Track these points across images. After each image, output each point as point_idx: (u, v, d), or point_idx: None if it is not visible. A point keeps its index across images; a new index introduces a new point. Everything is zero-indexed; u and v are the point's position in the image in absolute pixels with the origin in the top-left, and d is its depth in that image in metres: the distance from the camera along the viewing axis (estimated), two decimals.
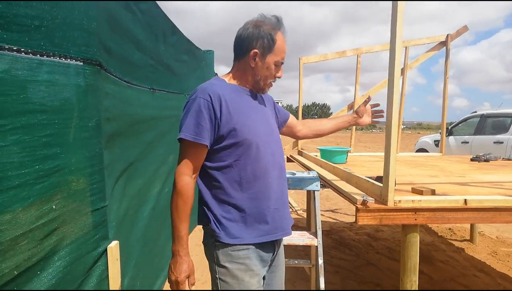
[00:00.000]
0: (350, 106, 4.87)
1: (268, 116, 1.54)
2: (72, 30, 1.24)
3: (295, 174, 2.48)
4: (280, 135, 1.63)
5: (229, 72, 1.53)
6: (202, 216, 1.44)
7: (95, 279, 1.43)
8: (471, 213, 1.95)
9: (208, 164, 1.41)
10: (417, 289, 1.97)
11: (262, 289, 1.45)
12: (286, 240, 2.30)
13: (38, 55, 1.13)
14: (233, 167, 1.39)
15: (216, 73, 4.86)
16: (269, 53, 1.42)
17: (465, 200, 1.95)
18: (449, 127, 8.03)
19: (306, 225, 4.66)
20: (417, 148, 9.33)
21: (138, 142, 2.06)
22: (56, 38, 1.19)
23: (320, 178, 2.70)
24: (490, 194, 2.16)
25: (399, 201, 1.91)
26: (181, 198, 1.35)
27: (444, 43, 4.52)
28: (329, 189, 2.79)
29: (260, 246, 1.43)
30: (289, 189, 1.84)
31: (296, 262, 2.71)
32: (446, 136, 5.11)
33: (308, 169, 3.50)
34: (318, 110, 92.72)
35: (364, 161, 4.14)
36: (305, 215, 5.40)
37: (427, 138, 9.12)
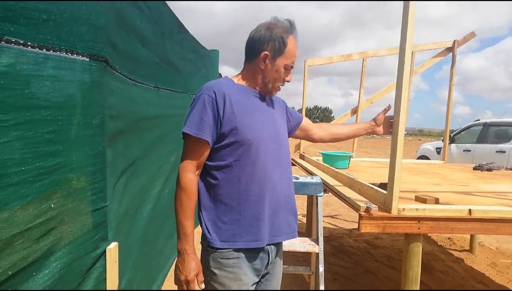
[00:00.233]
0: (354, 111, 4.84)
1: (276, 120, 1.52)
2: (79, 25, 1.22)
3: (299, 178, 2.46)
4: (288, 140, 1.61)
5: (239, 73, 1.53)
6: (199, 217, 1.43)
7: (92, 282, 1.40)
8: (475, 224, 1.93)
9: (208, 163, 1.40)
10: None
11: None
12: (287, 246, 2.28)
13: (44, 50, 1.11)
14: (232, 167, 1.37)
15: (220, 74, 4.84)
16: (280, 56, 1.42)
17: (470, 210, 1.93)
18: (452, 135, 8.01)
19: (305, 230, 4.63)
20: (418, 155, 9.31)
21: (140, 141, 2.03)
22: (64, 33, 1.17)
23: (322, 183, 2.67)
24: (494, 204, 2.13)
25: (403, 209, 1.89)
26: (185, 194, 1.34)
27: (450, 49, 4.49)
28: (329, 194, 2.77)
29: (252, 253, 1.41)
30: None
31: (296, 269, 2.68)
32: (448, 144, 5.08)
33: (310, 173, 3.48)
34: (320, 114, 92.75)
35: (366, 167, 4.11)
36: (304, 220, 5.38)
37: (429, 146, 9.09)
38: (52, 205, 1.19)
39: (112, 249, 1.50)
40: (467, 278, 3.64)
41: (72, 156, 1.24)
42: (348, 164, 3.81)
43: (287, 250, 2.30)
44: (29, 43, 1.07)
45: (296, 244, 2.36)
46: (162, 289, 2.74)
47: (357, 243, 4.58)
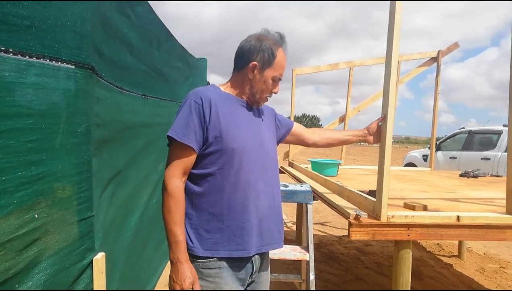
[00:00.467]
0: (342, 119, 4.88)
1: (262, 129, 1.52)
2: (64, 32, 1.20)
3: (288, 186, 2.45)
4: (275, 149, 1.61)
5: (227, 82, 1.53)
6: None
7: None
8: (463, 230, 1.95)
9: (192, 170, 1.39)
10: None
11: None
12: (277, 254, 2.26)
13: (27, 57, 1.08)
14: (216, 175, 1.37)
15: (209, 82, 4.83)
16: (268, 68, 1.43)
17: (458, 216, 1.94)
18: (438, 143, 8.13)
19: (295, 238, 4.62)
20: (405, 162, 9.41)
21: (127, 149, 2.00)
22: (47, 40, 1.14)
23: (312, 190, 2.67)
24: (481, 210, 2.16)
25: (392, 216, 1.90)
26: (172, 200, 1.32)
27: (435, 59, 4.58)
28: (319, 201, 2.76)
29: (235, 262, 1.40)
30: (281, 201, 1.81)
31: (287, 277, 2.66)
32: (435, 151, 5.15)
33: (299, 180, 3.47)
34: (308, 122, 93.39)
35: (354, 174, 4.13)
36: (294, 227, 5.36)
37: (416, 153, 9.21)
38: (36, 215, 1.15)
39: (99, 259, 1.46)
40: (457, 284, 3.66)
41: (56, 165, 1.21)
42: (337, 171, 3.83)
43: (277, 258, 2.28)
44: (10, 50, 1.04)
45: (286, 252, 2.35)
46: (155, 290, 2.69)
47: (347, 250, 4.58)
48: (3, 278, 1.05)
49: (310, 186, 2.71)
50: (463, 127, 8.05)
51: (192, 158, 1.37)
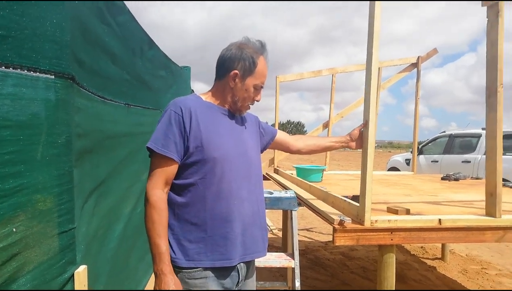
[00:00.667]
0: (325, 125, 4.93)
1: (245, 137, 1.52)
2: (43, 42, 1.18)
3: (273, 193, 2.45)
4: (259, 157, 1.61)
5: (209, 91, 1.53)
6: None
7: None
8: (445, 233, 1.98)
9: (173, 181, 1.39)
10: None
11: None
12: (263, 262, 2.25)
13: (3, 67, 1.06)
14: (198, 185, 1.36)
15: (193, 90, 4.82)
16: (249, 76, 1.44)
17: (440, 219, 1.98)
18: (420, 147, 8.27)
19: (281, 245, 4.61)
20: (389, 167, 9.54)
21: (110, 159, 1.97)
22: (25, 50, 1.12)
23: (297, 196, 2.68)
24: (462, 213, 2.20)
25: (376, 220, 1.92)
26: (155, 211, 1.31)
27: (415, 65, 4.68)
28: (304, 207, 2.77)
29: (221, 272, 1.39)
30: (266, 208, 1.82)
31: (272, 284, 2.65)
32: (417, 155, 5.24)
33: (285, 187, 3.48)
34: (293, 128, 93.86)
35: (339, 179, 4.17)
36: (280, 234, 5.36)
37: (399, 157, 9.34)
38: (14, 229, 1.12)
39: (81, 272, 1.42)
40: (440, 286, 3.72)
41: (36, 177, 1.18)
42: (321, 177, 3.85)
43: (263, 266, 2.27)
44: None
45: (272, 259, 2.34)
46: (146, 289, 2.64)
47: (333, 255, 4.60)
48: None
49: (295, 192, 2.72)
50: (444, 131, 8.22)
51: (174, 169, 1.36)
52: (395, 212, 2.12)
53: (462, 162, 6.82)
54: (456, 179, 4.21)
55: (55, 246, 1.29)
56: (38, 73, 1.16)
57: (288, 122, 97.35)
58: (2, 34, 1.07)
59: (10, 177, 1.10)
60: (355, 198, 2.30)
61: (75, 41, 1.35)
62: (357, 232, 1.90)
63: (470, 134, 7.19)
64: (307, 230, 6.03)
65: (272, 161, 4.95)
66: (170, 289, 1.28)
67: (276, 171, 4.74)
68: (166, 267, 1.30)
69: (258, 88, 1.48)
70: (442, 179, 4.30)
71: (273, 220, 6.54)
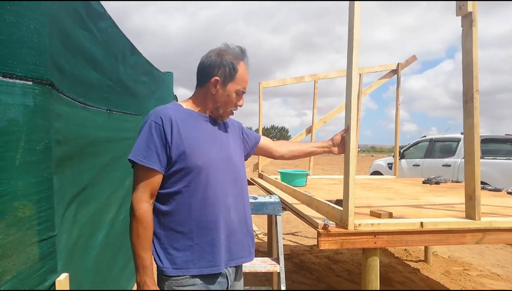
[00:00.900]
0: (309, 130, 4.97)
1: (228, 143, 1.52)
2: (19, 48, 1.16)
3: (257, 198, 2.45)
4: (243, 162, 1.61)
5: (189, 98, 1.53)
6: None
7: None
8: (427, 235, 2.02)
9: (159, 190, 1.38)
10: None
11: None
12: (248, 267, 2.25)
13: None
14: (183, 193, 1.36)
15: (176, 95, 4.80)
16: (230, 82, 1.44)
17: (421, 222, 2.01)
18: (401, 151, 8.40)
19: (267, 249, 4.61)
20: (371, 171, 9.66)
21: (91, 166, 1.95)
22: (0, 55, 1.10)
23: (281, 201, 2.68)
24: (443, 216, 2.25)
25: (359, 224, 1.94)
26: (141, 225, 1.31)
27: (395, 71, 4.77)
28: (289, 211, 2.79)
29: (209, 279, 1.38)
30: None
31: (258, 289, 2.65)
32: (398, 159, 5.32)
33: (269, 192, 3.49)
34: (277, 133, 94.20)
35: (323, 184, 4.20)
36: (266, 239, 5.35)
37: (381, 161, 9.48)
38: None
39: (62, 280, 1.39)
40: (424, 288, 3.77)
41: (13, 184, 1.15)
42: (305, 181, 3.87)
43: (248, 271, 2.27)
44: None
45: (257, 264, 2.34)
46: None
47: (318, 259, 4.62)
48: None
49: (279, 197, 2.73)
50: (425, 136, 8.38)
51: (158, 179, 1.35)
52: (378, 215, 2.14)
53: (443, 165, 6.96)
54: (437, 183, 4.30)
55: (34, 254, 1.26)
56: (14, 79, 1.14)
57: (272, 127, 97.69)
58: None
59: None
60: (338, 202, 2.33)
61: (53, 47, 1.34)
62: (341, 236, 1.92)
63: (450, 138, 7.35)
64: (292, 234, 6.04)
65: (256, 166, 4.95)
66: None
67: (260, 176, 4.75)
68: (150, 279, 1.31)
69: (240, 94, 1.48)
70: (424, 182, 4.38)
71: (258, 224, 6.54)
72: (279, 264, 2.34)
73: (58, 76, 1.40)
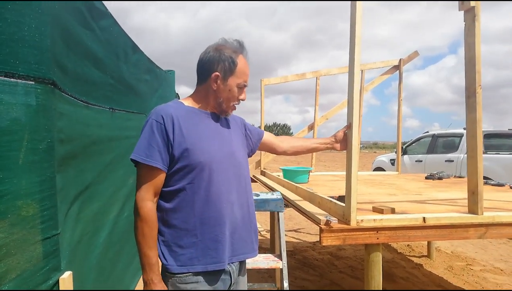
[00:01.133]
0: (311, 127, 4.96)
1: (231, 139, 1.52)
2: (21, 47, 1.16)
3: (259, 195, 2.46)
4: (246, 158, 1.61)
5: (190, 96, 1.53)
6: None
7: None
8: (430, 231, 2.02)
9: (162, 188, 1.38)
10: None
11: None
12: (251, 264, 2.26)
13: None
14: (186, 190, 1.36)
15: (177, 93, 4.80)
16: (231, 76, 1.43)
17: (424, 218, 2.01)
18: (404, 147, 8.38)
19: (270, 246, 4.62)
20: (374, 167, 9.64)
21: (94, 164, 1.96)
22: (2, 55, 1.10)
23: (283, 198, 2.69)
24: (446, 211, 2.24)
25: (361, 220, 1.94)
26: (146, 224, 1.31)
27: (397, 67, 4.75)
28: (292, 208, 2.79)
29: (212, 275, 1.39)
30: None
31: (261, 286, 2.66)
32: (401, 155, 5.31)
33: (271, 189, 3.49)
34: (279, 130, 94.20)
35: (325, 180, 4.20)
36: (268, 235, 5.37)
37: (384, 157, 9.45)
38: None
39: (66, 278, 1.40)
40: (427, 283, 3.78)
41: (16, 184, 1.16)
42: (308, 178, 3.88)
43: (251, 268, 2.27)
44: None
45: (260, 261, 2.35)
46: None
47: (321, 256, 4.63)
48: None
49: (282, 193, 2.73)
50: (427, 132, 8.34)
51: (161, 178, 1.36)
52: (381, 211, 2.14)
53: (445, 161, 6.93)
54: (440, 178, 4.29)
55: (38, 253, 1.27)
56: (16, 78, 1.14)
57: (274, 124, 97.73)
58: None
59: None
60: (341, 198, 2.33)
61: (55, 46, 1.34)
62: (343, 232, 1.92)
63: (453, 134, 7.32)
64: (295, 230, 6.05)
65: (258, 163, 4.96)
66: None
67: (263, 173, 4.75)
68: (156, 276, 1.32)
69: (241, 87, 1.47)
70: (426, 178, 4.37)
71: (261, 221, 6.55)
72: (281, 261, 2.35)
73: (60, 75, 1.40)
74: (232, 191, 1.44)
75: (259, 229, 5.95)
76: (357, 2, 1.80)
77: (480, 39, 1.94)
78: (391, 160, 8.65)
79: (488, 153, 6.09)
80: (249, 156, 1.70)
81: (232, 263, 1.45)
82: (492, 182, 3.87)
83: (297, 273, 3.98)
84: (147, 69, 3.26)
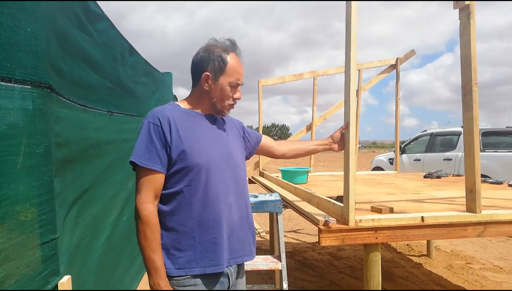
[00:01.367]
0: (309, 127, 4.97)
1: (228, 141, 1.52)
2: (17, 51, 1.16)
3: (257, 196, 2.46)
4: (244, 160, 1.61)
5: (185, 98, 1.53)
6: None
7: None
8: (428, 230, 2.02)
9: None
10: None
11: None
12: (250, 266, 2.26)
13: None
14: (184, 193, 1.35)
15: (175, 95, 4.80)
16: (221, 75, 1.42)
17: (422, 217, 2.01)
18: (402, 146, 8.40)
19: (269, 247, 4.62)
20: (373, 166, 9.65)
21: (93, 168, 1.95)
22: None
23: (282, 199, 2.69)
24: (444, 210, 2.25)
25: (360, 220, 1.94)
26: (148, 227, 1.30)
27: (394, 66, 4.77)
28: (291, 209, 2.79)
29: (211, 278, 1.38)
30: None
31: (260, 287, 2.66)
32: (399, 154, 5.32)
33: (270, 190, 3.50)
34: (278, 131, 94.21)
35: (324, 181, 4.21)
36: (268, 237, 5.37)
37: (382, 157, 9.47)
38: None
39: (65, 283, 1.40)
40: (427, 282, 3.78)
41: (13, 188, 1.16)
42: (306, 178, 3.88)
43: (250, 269, 2.27)
44: None
45: (259, 262, 2.35)
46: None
47: (321, 256, 4.63)
48: None
49: (280, 194, 2.73)
50: (425, 130, 8.36)
51: (161, 180, 1.35)
52: (379, 211, 2.14)
53: (444, 159, 6.95)
54: (438, 177, 4.30)
55: (37, 257, 1.27)
56: (13, 83, 1.14)
57: (273, 125, 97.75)
58: None
59: None
60: (339, 198, 2.33)
61: (52, 50, 1.34)
62: (342, 232, 1.92)
63: (451, 132, 7.33)
64: (295, 231, 6.05)
65: (257, 164, 4.96)
66: None
67: (261, 174, 4.75)
68: (163, 281, 1.30)
69: (234, 86, 1.45)
70: (425, 177, 4.38)
71: (260, 223, 6.55)
72: (280, 262, 2.35)
73: (57, 79, 1.40)
74: (229, 192, 1.43)
75: (259, 230, 5.95)
76: (352, 2, 1.80)
77: (475, 37, 1.95)
78: (389, 159, 8.66)
79: (486, 150, 6.10)
80: (247, 158, 1.70)
81: (230, 265, 1.44)
82: (490, 180, 3.88)
83: (297, 274, 3.98)
84: (145, 72, 3.26)
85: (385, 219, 1.99)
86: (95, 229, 2.01)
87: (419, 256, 4.64)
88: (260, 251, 4.67)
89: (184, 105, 1.48)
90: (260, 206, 2.40)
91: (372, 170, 9.05)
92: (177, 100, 1.58)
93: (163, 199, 1.37)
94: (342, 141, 1.94)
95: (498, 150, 6.21)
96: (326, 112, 4.95)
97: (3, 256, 1.14)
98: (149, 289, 1.33)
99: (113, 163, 2.30)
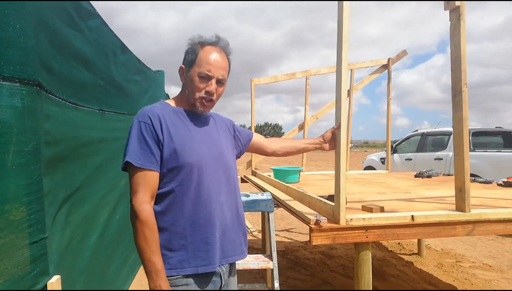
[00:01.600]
0: (301, 127, 4.98)
1: (219, 140, 1.51)
2: (5, 48, 1.15)
3: (249, 195, 2.46)
4: (234, 158, 1.61)
5: (174, 97, 1.53)
6: None
7: None
8: (418, 229, 2.03)
9: None
10: None
11: None
12: (241, 265, 2.26)
13: None
14: (175, 192, 1.34)
15: (167, 94, 4.78)
16: (192, 66, 1.42)
17: (412, 216, 2.03)
18: (394, 146, 8.46)
19: (261, 246, 4.63)
20: (364, 166, 9.71)
21: (84, 166, 1.94)
22: None
23: (274, 198, 2.69)
24: (434, 209, 2.27)
25: (351, 219, 1.95)
26: (147, 228, 1.27)
27: (386, 66, 4.79)
28: (283, 208, 2.80)
29: (202, 278, 1.38)
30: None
31: (252, 286, 2.66)
32: (391, 154, 5.36)
33: (262, 189, 3.50)
34: (271, 130, 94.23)
35: (316, 180, 4.22)
36: (260, 236, 5.37)
37: (374, 156, 9.53)
38: None
39: (54, 283, 1.39)
40: (418, 280, 3.81)
41: (2, 187, 1.15)
42: (298, 178, 3.89)
43: (241, 268, 2.27)
44: None
45: (250, 261, 2.35)
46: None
47: (313, 255, 4.65)
48: None
49: (272, 193, 2.74)
50: (417, 130, 8.44)
51: (156, 179, 1.33)
52: (370, 210, 2.16)
53: (435, 159, 7.01)
54: (429, 176, 4.34)
55: (26, 257, 1.26)
56: (1, 80, 1.13)
57: (266, 124, 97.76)
58: None
59: None
60: (330, 197, 2.34)
61: (41, 47, 1.33)
62: (333, 231, 1.93)
63: (441, 132, 7.41)
64: (287, 230, 6.06)
65: (249, 163, 4.96)
66: None
67: (254, 173, 4.75)
68: (164, 282, 1.27)
69: (203, 76, 1.39)
70: (416, 176, 4.41)
71: (252, 222, 6.55)
72: (272, 261, 2.36)
73: (47, 77, 1.39)
74: (221, 192, 1.43)
75: (251, 229, 5.95)
76: (344, 2, 1.81)
77: (466, 38, 1.97)
78: (381, 158, 8.72)
79: (476, 150, 6.18)
80: (238, 157, 1.70)
81: (222, 264, 1.44)
82: (479, 180, 3.92)
83: (289, 273, 3.99)
84: (137, 70, 3.24)
85: (376, 218, 2.00)
86: (86, 228, 2.00)
87: (410, 255, 4.69)
88: (253, 250, 4.68)
89: (173, 103, 1.48)
90: (251, 205, 2.40)
91: (363, 169, 9.10)
92: (169, 98, 1.57)
93: (155, 199, 1.36)
94: (333, 141, 1.94)
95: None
96: (318, 112, 4.97)
97: None
98: (141, 289, 1.31)
99: (104, 161, 2.28)
